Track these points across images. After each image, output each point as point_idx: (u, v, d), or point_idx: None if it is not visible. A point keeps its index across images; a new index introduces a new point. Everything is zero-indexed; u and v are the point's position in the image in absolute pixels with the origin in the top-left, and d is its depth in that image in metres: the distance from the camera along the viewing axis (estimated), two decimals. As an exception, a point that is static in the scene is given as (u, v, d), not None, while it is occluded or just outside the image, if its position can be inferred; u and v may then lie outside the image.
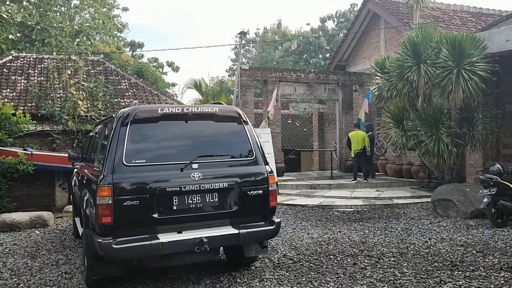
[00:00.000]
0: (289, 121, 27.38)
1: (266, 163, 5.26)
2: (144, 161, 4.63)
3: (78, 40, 27.29)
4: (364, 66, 16.29)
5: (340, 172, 15.60)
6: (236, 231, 4.78)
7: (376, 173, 14.96)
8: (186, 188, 4.67)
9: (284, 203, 10.91)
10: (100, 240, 4.33)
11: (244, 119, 5.29)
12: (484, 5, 17.19)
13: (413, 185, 13.12)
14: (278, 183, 12.66)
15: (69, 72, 13.40)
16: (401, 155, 14.07)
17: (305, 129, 25.19)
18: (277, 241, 7.15)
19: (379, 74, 11.54)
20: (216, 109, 5.18)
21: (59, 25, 34.79)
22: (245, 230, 4.82)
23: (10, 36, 25.98)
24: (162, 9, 73.53)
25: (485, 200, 7.92)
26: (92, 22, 35.98)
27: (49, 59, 14.91)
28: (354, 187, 12.92)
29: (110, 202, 4.34)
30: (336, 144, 16.23)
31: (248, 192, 4.98)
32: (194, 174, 4.73)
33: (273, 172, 5.32)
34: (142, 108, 5.02)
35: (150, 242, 4.39)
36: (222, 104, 5.79)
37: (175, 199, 4.67)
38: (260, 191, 5.04)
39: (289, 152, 24.93)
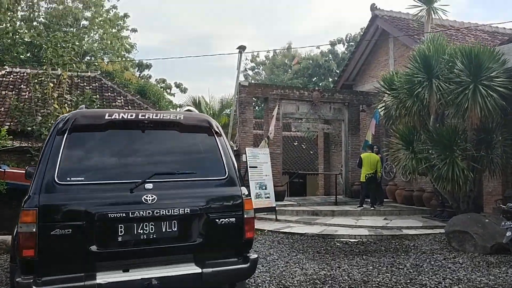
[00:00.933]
0: (295, 143, 26.44)
1: (242, 185, 4.28)
2: (83, 178, 3.69)
3: (86, 59, 26.98)
4: (372, 86, 15.36)
5: (345, 197, 14.52)
6: (199, 270, 3.79)
7: (384, 199, 13.85)
8: (136, 214, 3.71)
9: (281, 230, 9.86)
10: (18, 279, 3.38)
11: (217, 129, 4.33)
12: (500, 25, 16.27)
13: (424, 214, 11.99)
14: (277, 209, 11.66)
15: (52, 85, 12.62)
16: (411, 180, 12.98)
17: (311, 152, 24.17)
18: (265, 277, 6.13)
19: (387, 91, 10.60)
20: (181, 116, 4.24)
21: (68, 44, 34.68)
22: (210, 269, 3.83)
23: (18, 54, 25.69)
24: (178, 31, 74.01)
25: (509, 234, 6.84)
26: (101, 43, 35.92)
27: (30, 73, 14.17)
28: (360, 214, 11.83)
29: (34, 230, 3.41)
30: (341, 167, 15.19)
31: (217, 220, 4.00)
32: (147, 197, 3.77)
33: (250, 196, 4.35)
34: (85, 112, 4.11)
35: (83, 283, 3.43)
36: (192, 111, 4.85)
37: (121, 228, 3.71)
38: (233, 219, 4.05)
39: (293, 175, 23.95)
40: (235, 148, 12.50)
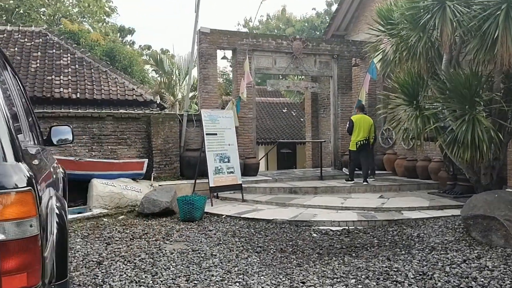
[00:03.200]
0: (284, 110, 23.87)
1: (19, 159, 1.77)
2: None
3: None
4: (368, 35, 12.65)
5: (334, 170, 12.08)
6: None
7: (381, 172, 11.43)
8: None
9: (243, 216, 7.47)
10: None
11: None
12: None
13: (431, 189, 9.60)
14: (247, 186, 9.27)
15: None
16: (414, 147, 10.52)
17: (302, 119, 21.62)
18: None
19: (382, 29, 7.97)
20: None
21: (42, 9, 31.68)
22: None
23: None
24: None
25: None
26: (78, 6, 33.20)
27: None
28: (349, 191, 9.42)
29: None
30: (330, 134, 12.66)
31: None
32: None
33: (31, 186, 1.79)
34: None
35: None
36: None
37: None
38: None
39: (283, 146, 21.48)
40: (189, 113, 9.99)
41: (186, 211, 7.30)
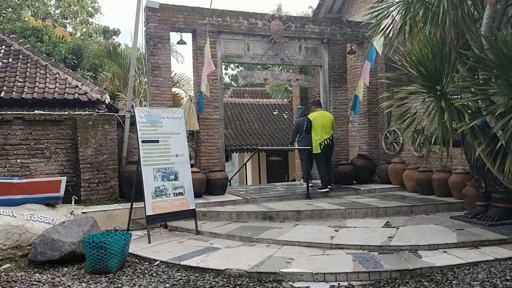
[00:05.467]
0: (274, 113, 21.41)
1: None
2: None
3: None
4: (367, 17, 10.21)
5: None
6: None
7: (385, 186, 9.01)
8: None
9: (183, 263, 5.02)
10: None
11: None
12: None
13: (453, 211, 7.17)
14: (210, 210, 6.92)
15: None
16: (427, 154, 8.06)
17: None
18: None
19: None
20: None
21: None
22: None
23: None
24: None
25: None
26: (57, 6, 31.27)
27: None
28: (343, 216, 6.95)
29: None
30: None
31: None
32: None
33: None
34: None
35: None
36: None
37: None
38: None
39: (272, 153, 19.01)
40: (132, 114, 7.54)
41: (95, 258, 4.85)
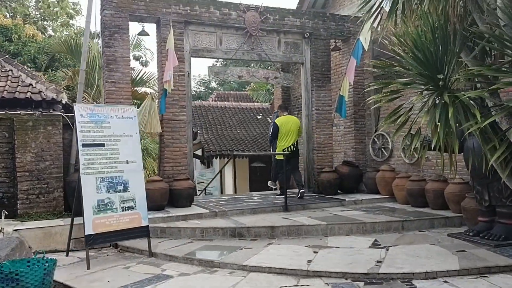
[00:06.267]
0: (258, 117, 20.46)
1: None
2: None
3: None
4: (353, 10, 9.30)
5: (309, 192, 8.61)
6: None
7: (373, 196, 8.07)
8: None
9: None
10: None
11: None
12: None
13: (451, 228, 6.24)
14: (170, 227, 5.89)
15: None
16: (421, 161, 7.13)
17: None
18: None
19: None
20: None
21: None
22: None
23: None
24: None
25: None
26: (36, 8, 30.02)
27: None
28: (324, 232, 5.96)
29: None
30: (303, 143, 9.17)
31: None
32: None
33: None
34: None
35: None
36: None
37: None
38: None
39: (255, 158, 17.99)
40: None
41: (4, 294, 3.79)
